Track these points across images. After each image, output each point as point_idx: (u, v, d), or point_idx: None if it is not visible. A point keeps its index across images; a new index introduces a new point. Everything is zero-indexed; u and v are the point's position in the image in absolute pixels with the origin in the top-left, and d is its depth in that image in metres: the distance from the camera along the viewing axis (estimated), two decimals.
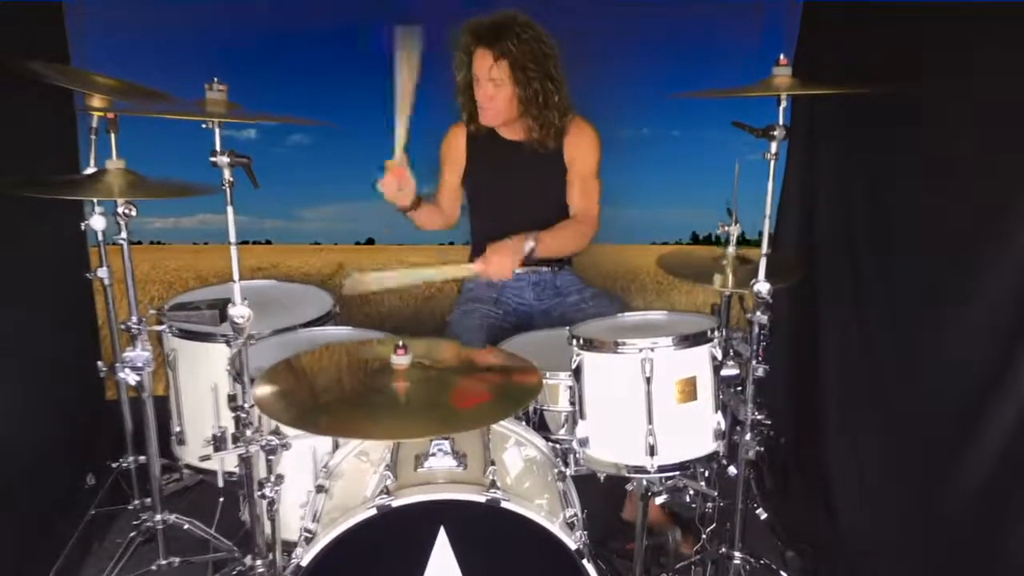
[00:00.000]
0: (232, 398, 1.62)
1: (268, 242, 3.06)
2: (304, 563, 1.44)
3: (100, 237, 2.07)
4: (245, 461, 1.64)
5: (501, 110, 2.30)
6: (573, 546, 1.47)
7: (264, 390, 1.54)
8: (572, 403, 1.86)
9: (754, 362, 1.83)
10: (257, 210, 2.98)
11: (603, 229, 2.43)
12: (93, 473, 2.50)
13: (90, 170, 2.02)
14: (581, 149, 2.40)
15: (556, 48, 2.28)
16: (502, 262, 2.15)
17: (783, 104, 1.71)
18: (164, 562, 2.10)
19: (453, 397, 1.60)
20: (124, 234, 1.96)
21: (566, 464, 1.85)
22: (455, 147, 2.47)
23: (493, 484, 1.46)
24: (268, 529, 1.71)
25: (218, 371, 1.85)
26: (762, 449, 1.90)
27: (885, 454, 2.10)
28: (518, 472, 1.71)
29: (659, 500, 1.90)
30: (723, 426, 1.84)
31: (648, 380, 1.74)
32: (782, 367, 2.60)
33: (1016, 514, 1.57)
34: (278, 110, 2.19)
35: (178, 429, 2.13)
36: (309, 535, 1.52)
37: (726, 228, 1.89)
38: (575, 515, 1.58)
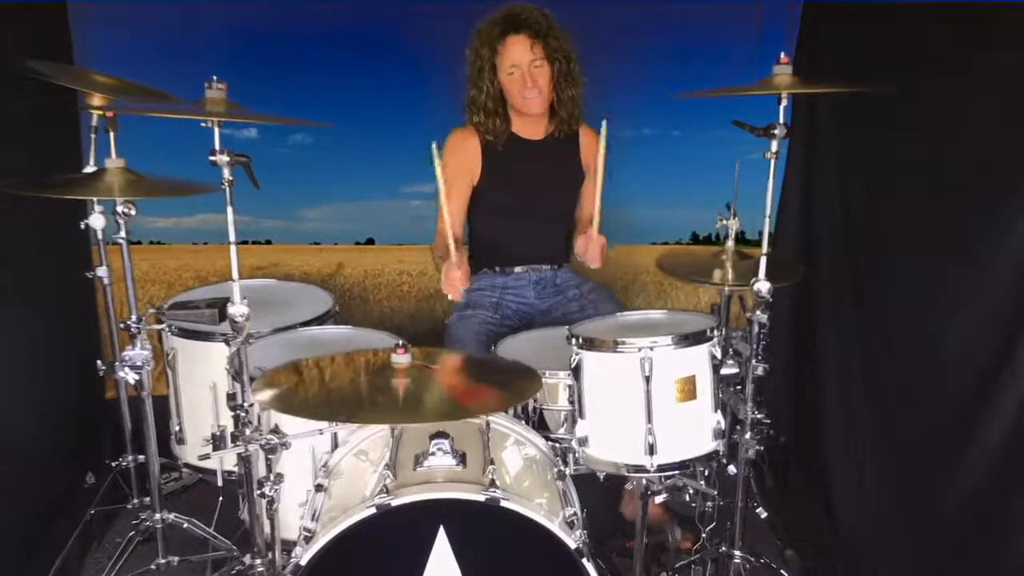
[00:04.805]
0: (231, 397, 1.62)
1: (268, 242, 3.06)
2: (303, 562, 1.44)
3: (100, 236, 2.07)
4: (244, 460, 1.64)
5: (546, 94, 2.30)
6: (573, 545, 1.47)
7: (263, 389, 1.55)
8: (571, 402, 1.86)
9: (754, 361, 1.83)
10: (257, 210, 2.98)
11: (603, 229, 2.42)
12: (92, 472, 2.50)
13: (90, 169, 2.02)
14: (594, 150, 2.43)
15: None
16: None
17: (783, 103, 1.70)
18: (163, 561, 2.10)
19: (453, 392, 1.62)
20: (123, 233, 1.95)
21: (565, 463, 1.85)
22: (468, 155, 2.37)
23: (493, 483, 1.46)
24: (267, 528, 1.71)
25: (217, 370, 1.84)
26: (762, 448, 1.89)
27: (885, 453, 2.10)
28: (518, 471, 1.71)
29: (659, 499, 1.89)
30: (723, 425, 1.84)
31: (647, 379, 1.74)
32: (782, 366, 2.60)
33: (1016, 513, 1.57)
34: (279, 110, 2.19)
35: (177, 428, 2.13)
36: (308, 534, 1.51)
37: (724, 222, 1.89)
38: (575, 514, 1.57)
